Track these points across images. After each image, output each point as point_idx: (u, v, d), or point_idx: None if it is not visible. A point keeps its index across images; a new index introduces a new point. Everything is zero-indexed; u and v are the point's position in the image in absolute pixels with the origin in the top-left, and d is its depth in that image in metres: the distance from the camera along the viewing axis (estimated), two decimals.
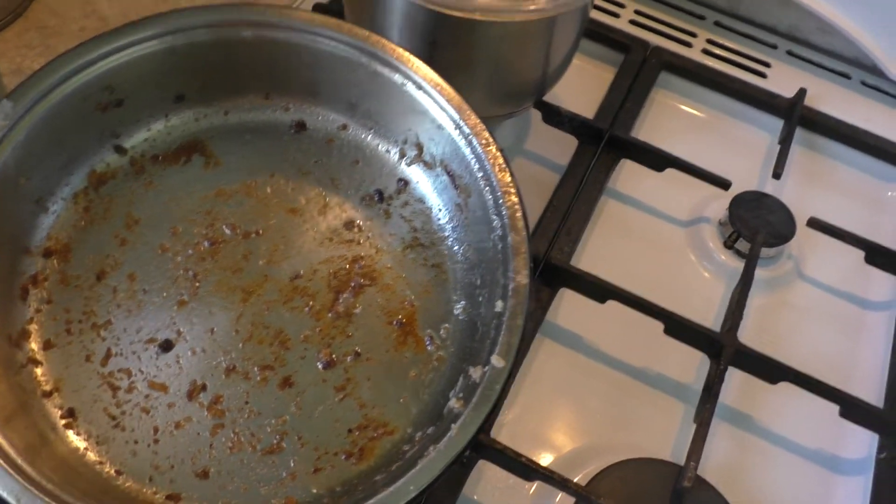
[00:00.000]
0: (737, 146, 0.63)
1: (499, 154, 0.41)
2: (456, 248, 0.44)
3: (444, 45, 0.48)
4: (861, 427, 0.48)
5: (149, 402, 0.39)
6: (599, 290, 0.49)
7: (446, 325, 0.42)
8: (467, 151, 0.42)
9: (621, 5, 0.69)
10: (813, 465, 0.48)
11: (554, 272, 0.50)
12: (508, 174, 0.41)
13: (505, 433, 0.46)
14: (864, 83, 0.67)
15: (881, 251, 0.55)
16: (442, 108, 0.43)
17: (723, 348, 0.47)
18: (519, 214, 0.40)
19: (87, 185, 0.43)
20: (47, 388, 0.38)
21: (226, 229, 0.43)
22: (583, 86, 0.63)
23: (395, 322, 0.42)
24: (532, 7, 0.47)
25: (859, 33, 0.64)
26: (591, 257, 0.55)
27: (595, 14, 0.67)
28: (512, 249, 0.39)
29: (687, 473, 0.42)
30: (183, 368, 0.40)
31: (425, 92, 0.43)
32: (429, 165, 0.45)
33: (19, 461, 0.32)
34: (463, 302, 0.42)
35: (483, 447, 0.42)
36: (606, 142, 0.57)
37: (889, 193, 0.62)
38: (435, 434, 0.37)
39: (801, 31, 0.68)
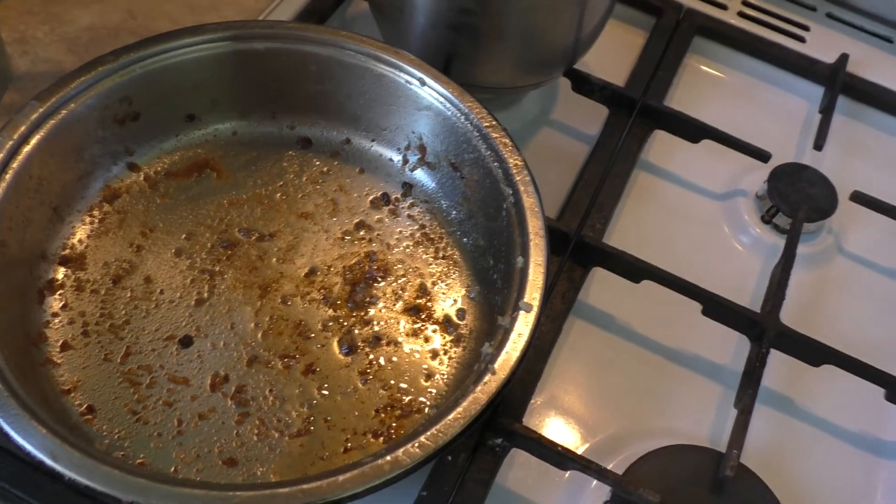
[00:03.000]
0: (774, 115, 0.61)
1: (504, 133, 0.42)
2: (466, 239, 0.45)
3: (474, 12, 0.46)
4: None
5: (171, 396, 0.38)
6: (634, 270, 0.47)
7: (463, 308, 0.43)
8: (473, 136, 0.43)
9: None
10: (856, 450, 0.46)
11: (586, 251, 0.48)
12: (516, 152, 0.42)
13: (536, 418, 0.45)
14: None
15: None
16: (445, 99, 0.44)
17: (764, 331, 0.45)
18: (528, 178, 0.41)
19: (102, 199, 0.44)
20: (66, 387, 0.37)
21: (239, 234, 0.44)
22: (613, 51, 0.61)
23: (410, 310, 0.43)
24: None
25: None
26: (623, 233, 0.52)
27: None
28: (527, 211, 0.40)
29: (729, 462, 0.41)
30: (204, 362, 0.39)
31: (429, 87, 0.44)
32: (432, 166, 0.46)
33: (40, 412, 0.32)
34: (478, 286, 0.43)
35: (516, 436, 0.41)
36: (639, 111, 0.55)
37: None
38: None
39: None
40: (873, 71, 0.61)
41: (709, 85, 0.62)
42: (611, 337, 0.48)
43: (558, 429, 0.45)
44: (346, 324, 0.42)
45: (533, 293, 0.37)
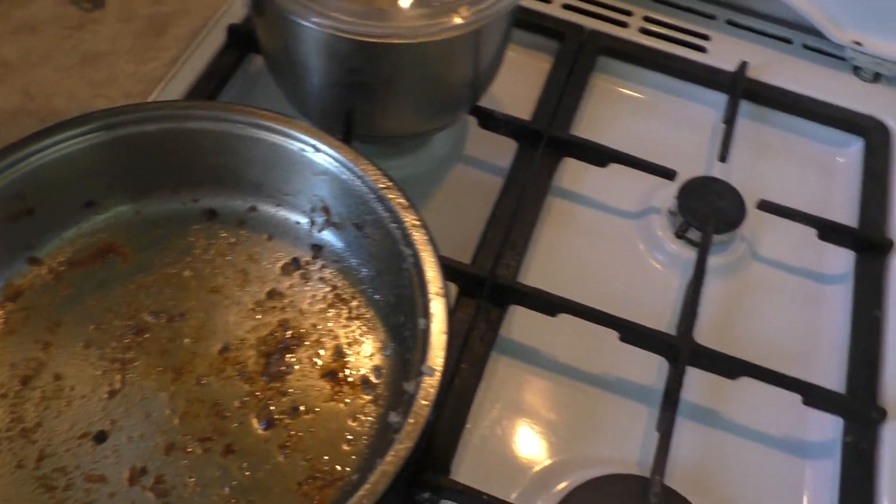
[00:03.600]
0: (683, 126, 0.62)
1: (400, 194, 0.43)
2: (377, 296, 0.45)
3: (366, 71, 0.46)
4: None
5: (89, 497, 0.38)
6: (549, 305, 0.48)
7: (379, 366, 0.43)
8: (370, 199, 0.43)
9: None
10: (781, 454, 0.47)
11: (501, 291, 0.48)
12: (413, 211, 0.42)
13: (466, 465, 0.45)
14: (806, 46, 0.66)
15: (832, 227, 0.54)
16: (340, 163, 0.44)
17: (679, 351, 0.46)
18: (426, 238, 0.42)
19: (4, 298, 0.43)
20: None
21: (148, 317, 0.44)
22: (519, 80, 0.62)
23: (328, 375, 0.43)
24: (453, 23, 0.45)
25: None
26: (540, 261, 0.53)
27: (526, 1, 0.65)
28: (426, 272, 0.40)
29: (653, 489, 0.42)
30: (121, 456, 0.39)
31: (323, 153, 0.45)
32: (338, 226, 0.47)
33: None
34: (392, 343, 0.44)
35: (442, 489, 0.41)
36: (546, 142, 0.55)
37: (839, 159, 0.61)
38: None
39: None
40: (774, 74, 0.63)
41: (617, 102, 0.63)
42: (537, 370, 0.49)
43: (490, 473, 0.45)
44: (262, 397, 0.42)
45: (436, 356, 0.38)
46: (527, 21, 0.63)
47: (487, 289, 0.48)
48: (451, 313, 0.47)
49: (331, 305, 0.45)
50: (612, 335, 0.48)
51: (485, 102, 0.56)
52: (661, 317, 0.51)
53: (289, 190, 0.47)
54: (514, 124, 0.56)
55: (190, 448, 0.40)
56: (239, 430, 0.41)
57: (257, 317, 0.44)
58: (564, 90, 0.59)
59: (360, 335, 0.44)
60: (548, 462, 0.46)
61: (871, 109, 0.61)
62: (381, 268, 0.45)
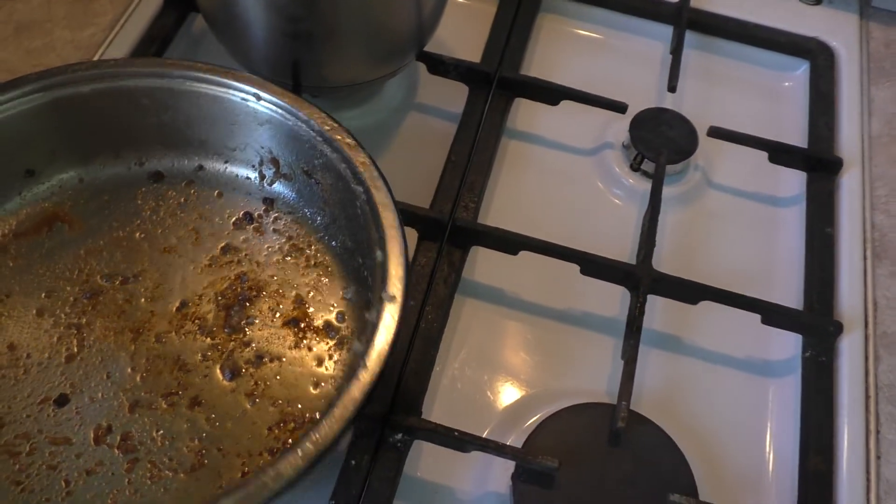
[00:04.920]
0: (632, 60, 0.62)
1: (346, 134, 0.42)
2: (334, 242, 0.45)
3: (307, 19, 0.45)
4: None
5: (54, 459, 0.38)
6: (509, 243, 0.48)
7: (341, 311, 0.43)
8: (317, 142, 0.43)
9: None
10: (745, 374, 0.49)
11: (461, 233, 0.48)
12: (361, 150, 0.42)
13: (438, 406, 0.46)
14: None
15: (782, 149, 0.55)
16: (284, 110, 0.44)
17: (640, 280, 0.47)
18: (376, 174, 0.41)
19: None
20: None
21: (102, 281, 0.43)
22: (467, 25, 0.61)
23: (290, 323, 0.43)
24: None
25: None
26: (501, 204, 0.53)
27: None
28: (379, 206, 0.40)
29: (620, 413, 0.43)
30: (84, 417, 0.39)
31: (265, 101, 0.44)
32: (288, 177, 0.46)
33: None
34: (353, 286, 0.44)
35: (415, 429, 0.41)
36: (496, 84, 0.55)
37: (785, 83, 0.62)
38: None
39: None
40: (718, 3, 0.63)
41: (566, 41, 0.62)
42: (502, 309, 0.50)
43: (461, 412, 0.45)
44: (225, 349, 0.42)
45: (395, 284, 0.38)
46: None
47: (448, 231, 0.48)
48: (413, 258, 0.48)
49: (287, 255, 0.45)
50: (574, 269, 0.49)
51: (433, 48, 0.55)
52: (622, 249, 0.52)
53: (235, 144, 0.46)
54: (463, 67, 0.55)
55: (154, 404, 0.40)
56: (204, 383, 0.41)
57: (214, 272, 0.44)
58: (511, 31, 0.59)
59: (321, 281, 0.44)
60: (517, 398, 0.46)
61: (815, 32, 0.62)
62: (335, 213, 0.44)
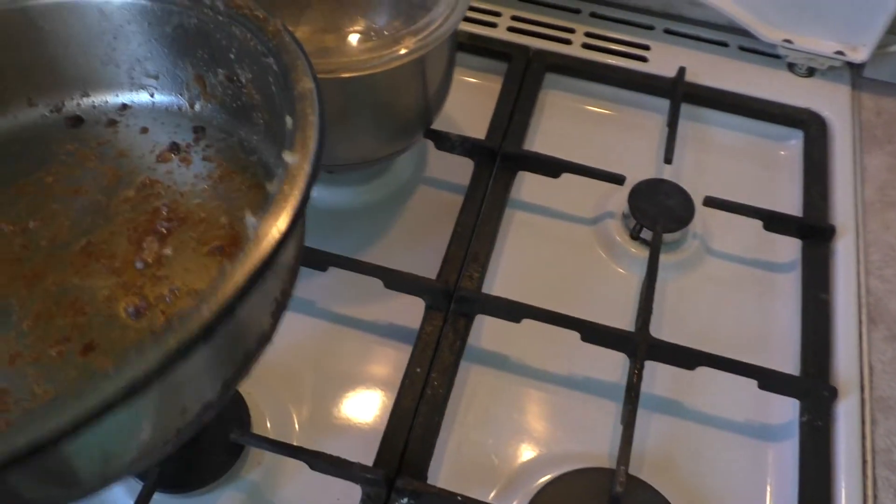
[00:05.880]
0: (630, 133, 0.65)
1: (250, 2, 0.38)
2: (272, 160, 0.40)
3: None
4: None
5: None
6: (512, 312, 0.51)
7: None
8: (226, 25, 0.38)
9: (497, 14, 0.70)
10: (744, 438, 0.50)
11: (466, 302, 0.51)
12: (270, 19, 0.37)
13: (444, 471, 0.47)
14: (742, 48, 0.69)
15: (777, 217, 0.57)
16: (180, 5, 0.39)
17: (637, 346, 0.49)
18: (288, 39, 0.36)
19: None
20: None
21: None
22: (472, 102, 0.64)
23: (214, 249, 0.39)
24: (399, 52, 0.47)
25: (725, 2, 0.65)
26: (505, 272, 0.56)
27: (472, 27, 0.68)
28: (289, 68, 0.35)
29: (618, 479, 0.44)
30: None
31: None
32: (219, 99, 0.42)
33: None
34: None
35: (420, 493, 0.43)
36: (500, 159, 0.58)
37: (780, 153, 0.64)
38: None
39: (675, 7, 0.70)
40: (713, 76, 0.66)
41: (567, 116, 0.66)
42: (506, 375, 0.51)
43: (466, 476, 0.47)
44: (132, 287, 0.37)
45: (299, 145, 0.32)
46: (475, 46, 0.66)
47: (452, 300, 0.50)
48: (420, 327, 0.50)
49: (218, 181, 0.41)
50: (575, 336, 0.51)
51: (441, 125, 0.58)
52: (624, 316, 0.54)
53: (155, 71, 0.43)
54: (468, 143, 0.58)
55: (41, 355, 0.35)
56: (104, 325, 0.36)
57: (127, 208, 0.40)
58: (515, 108, 0.62)
59: (256, 203, 0.40)
60: (521, 462, 0.48)
61: (808, 103, 0.64)
62: (267, 119, 0.40)
